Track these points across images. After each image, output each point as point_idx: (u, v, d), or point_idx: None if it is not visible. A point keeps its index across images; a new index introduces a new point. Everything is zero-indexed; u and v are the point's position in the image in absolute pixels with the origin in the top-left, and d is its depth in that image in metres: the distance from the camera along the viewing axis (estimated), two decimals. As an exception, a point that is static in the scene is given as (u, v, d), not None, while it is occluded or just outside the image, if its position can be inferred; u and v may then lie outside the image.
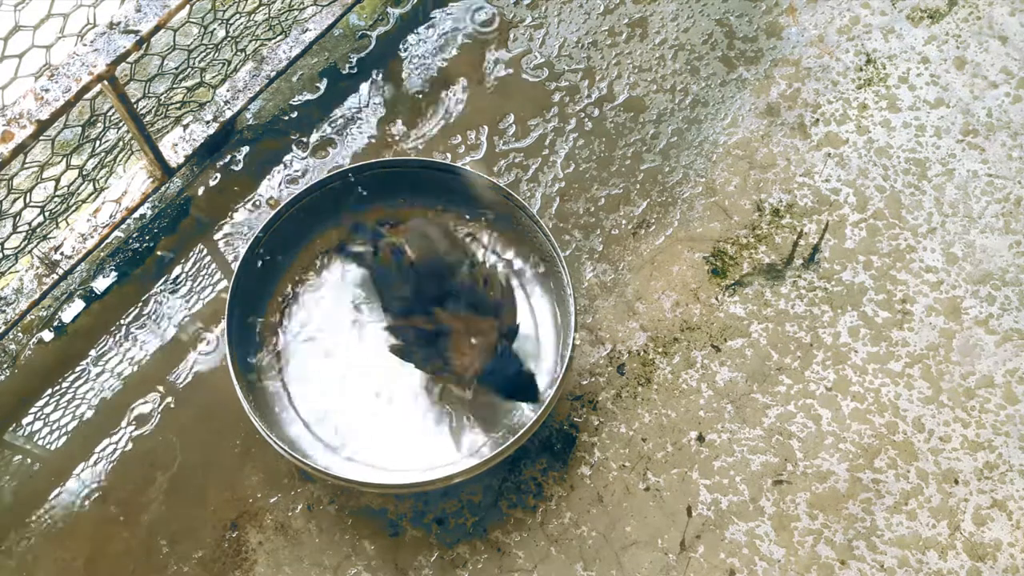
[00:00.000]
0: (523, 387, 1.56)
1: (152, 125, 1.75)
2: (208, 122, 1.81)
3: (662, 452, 1.68)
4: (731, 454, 1.68)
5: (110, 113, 1.68)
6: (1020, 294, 1.80)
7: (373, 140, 1.92)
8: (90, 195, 1.75)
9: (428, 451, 1.63)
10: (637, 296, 1.80)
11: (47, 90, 1.44)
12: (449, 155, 1.90)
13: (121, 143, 1.76)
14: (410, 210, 1.77)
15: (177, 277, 1.80)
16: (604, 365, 1.74)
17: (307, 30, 1.87)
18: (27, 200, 1.63)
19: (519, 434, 1.53)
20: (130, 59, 1.56)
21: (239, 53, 1.83)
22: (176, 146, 1.79)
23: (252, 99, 1.83)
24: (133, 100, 1.62)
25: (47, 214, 1.68)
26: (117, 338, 1.75)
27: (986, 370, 1.74)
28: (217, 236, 1.84)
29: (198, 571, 1.60)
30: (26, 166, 1.65)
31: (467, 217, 1.77)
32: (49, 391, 1.71)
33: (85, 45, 1.48)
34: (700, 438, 1.70)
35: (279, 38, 1.86)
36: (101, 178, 1.76)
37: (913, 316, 1.78)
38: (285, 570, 1.60)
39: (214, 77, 1.82)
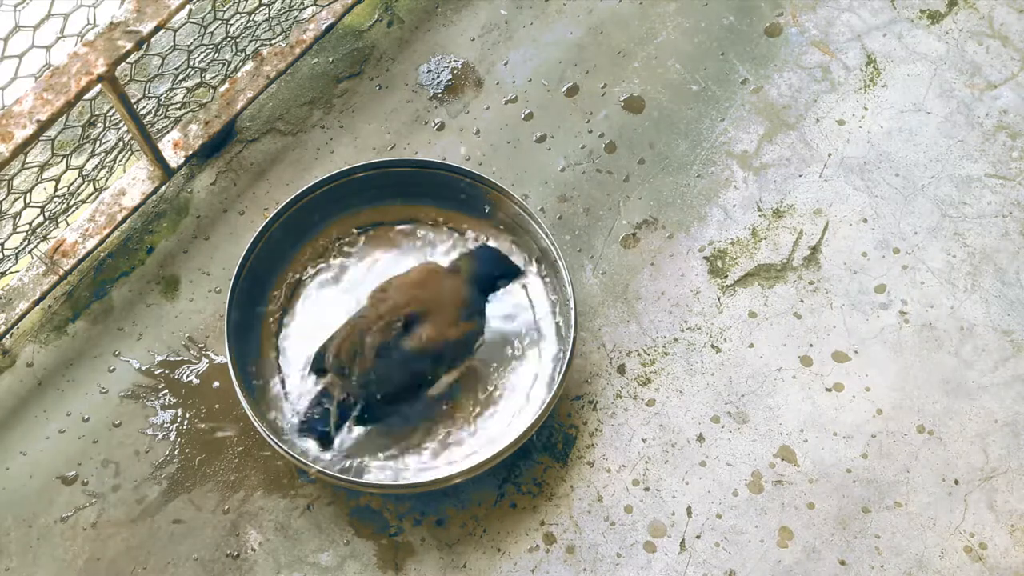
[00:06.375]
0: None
1: (152, 125, 1.75)
2: (208, 122, 1.81)
3: (662, 452, 1.68)
4: (731, 454, 1.68)
5: (110, 113, 1.68)
6: (1020, 295, 1.80)
7: (373, 140, 1.92)
8: (90, 195, 1.76)
9: (428, 451, 1.63)
10: (637, 296, 1.80)
11: (47, 90, 1.44)
12: (448, 155, 1.91)
13: (121, 143, 1.76)
14: (408, 208, 1.78)
15: (177, 277, 1.80)
16: (604, 365, 1.74)
17: (307, 30, 1.87)
18: (27, 200, 1.63)
19: (519, 434, 1.53)
20: (130, 59, 1.56)
21: (239, 53, 1.83)
22: (176, 146, 1.79)
23: (252, 99, 1.83)
24: (133, 100, 1.62)
25: (47, 214, 1.68)
26: (117, 338, 1.75)
27: (986, 371, 1.74)
28: (217, 236, 1.84)
29: (198, 571, 1.60)
30: (26, 166, 1.65)
31: (467, 216, 1.78)
32: (49, 391, 1.71)
33: (85, 45, 1.48)
34: (700, 438, 1.70)
35: (279, 38, 1.86)
36: (101, 178, 1.77)
37: (913, 316, 1.78)
38: (285, 570, 1.60)
39: (214, 77, 1.82)
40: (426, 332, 1.51)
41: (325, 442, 1.55)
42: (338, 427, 1.54)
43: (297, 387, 1.66)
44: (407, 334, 1.52)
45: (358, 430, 1.61)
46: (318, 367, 1.59)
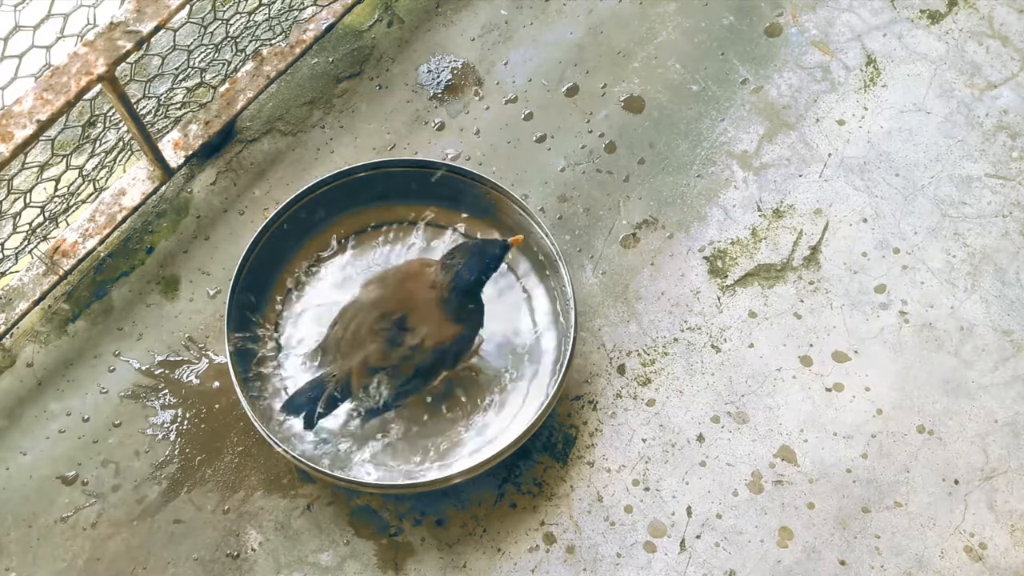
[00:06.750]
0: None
1: (152, 125, 1.75)
2: (208, 122, 1.81)
3: (662, 452, 1.68)
4: (731, 454, 1.68)
5: (110, 113, 1.68)
6: (1020, 295, 1.80)
7: (373, 140, 1.92)
8: (90, 195, 1.76)
9: (428, 451, 1.63)
10: (637, 296, 1.80)
11: (47, 90, 1.44)
12: (448, 155, 1.91)
13: (121, 143, 1.76)
14: (408, 208, 1.78)
15: (177, 277, 1.80)
16: (604, 365, 1.74)
17: (307, 30, 1.87)
18: (27, 200, 1.63)
19: (519, 434, 1.53)
20: (130, 59, 1.56)
21: (239, 53, 1.83)
22: (176, 146, 1.79)
23: (252, 99, 1.83)
24: (133, 100, 1.62)
25: (47, 214, 1.68)
26: (117, 338, 1.75)
27: (986, 371, 1.74)
28: (217, 236, 1.84)
29: (198, 571, 1.60)
30: (26, 166, 1.65)
31: (466, 216, 1.78)
32: (49, 391, 1.71)
33: (85, 45, 1.48)
34: (700, 438, 1.70)
35: (279, 38, 1.86)
36: (101, 178, 1.77)
37: (913, 316, 1.78)
38: (285, 570, 1.60)
39: (214, 77, 1.82)
40: (421, 323, 1.52)
41: (309, 423, 1.55)
42: (325, 411, 1.54)
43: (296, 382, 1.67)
44: (404, 327, 1.52)
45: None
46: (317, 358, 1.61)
